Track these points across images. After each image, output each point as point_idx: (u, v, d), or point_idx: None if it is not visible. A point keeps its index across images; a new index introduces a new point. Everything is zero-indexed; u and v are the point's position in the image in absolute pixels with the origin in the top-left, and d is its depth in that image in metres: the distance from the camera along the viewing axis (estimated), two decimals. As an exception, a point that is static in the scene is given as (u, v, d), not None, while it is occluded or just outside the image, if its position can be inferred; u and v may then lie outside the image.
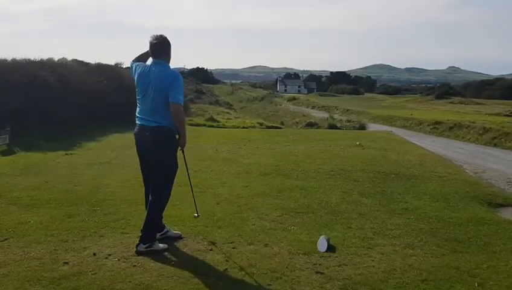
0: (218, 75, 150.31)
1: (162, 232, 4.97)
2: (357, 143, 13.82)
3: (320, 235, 5.08)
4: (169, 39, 4.73)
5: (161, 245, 4.72)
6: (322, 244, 4.84)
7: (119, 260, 4.44)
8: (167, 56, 4.73)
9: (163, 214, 4.94)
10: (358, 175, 8.85)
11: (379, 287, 4.01)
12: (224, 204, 6.47)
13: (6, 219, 5.64)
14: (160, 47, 4.68)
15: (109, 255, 4.56)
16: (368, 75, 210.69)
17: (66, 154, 10.86)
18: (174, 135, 4.61)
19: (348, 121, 26.16)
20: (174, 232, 5.11)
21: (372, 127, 24.81)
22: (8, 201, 6.47)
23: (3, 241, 4.89)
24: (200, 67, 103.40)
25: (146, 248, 4.60)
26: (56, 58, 18.40)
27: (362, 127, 23.41)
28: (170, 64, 4.77)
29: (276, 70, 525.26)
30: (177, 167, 4.75)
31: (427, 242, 5.19)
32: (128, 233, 5.20)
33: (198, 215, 5.24)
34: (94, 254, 4.55)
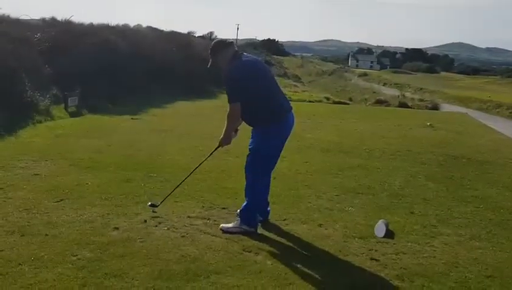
0: (289, 47, 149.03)
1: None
2: (428, 124, 13.20)
3: (379, 219, 4.79)
4: (216, 43, 4.51)
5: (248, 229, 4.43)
6: (380, 229, 4.56)
7: (168, 229, 4.38)
8: (216, 59, 4.43)
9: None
10: (426, 157, 8.39)
11: (438, 280, 3.70)
12: (281, 179, 6.27)
13: (65, 180, 5.74)
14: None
15: (159, 223, 4.51)
16: (446, 53, 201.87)
17: (132, 119, 11.05)
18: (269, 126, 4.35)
19: (421, 100, 25.08)
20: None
21: (446, 107, 23.68)
22: (70, 162, 6.60)
23: (58, 201, 4.97)
24: (271, 38, 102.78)
25: (236, 226, 4.42)
26: (132, 25, 18.84)
27: (435, 107, 22.36)
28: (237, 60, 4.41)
29: (349, 44, 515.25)
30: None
31: (495, 234, 4.78)
32: (180, 202, 5.13)
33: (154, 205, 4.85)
34: (145, 221, 4.52)
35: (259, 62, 4.69)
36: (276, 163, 4.61)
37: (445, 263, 4.03)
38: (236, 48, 4.49)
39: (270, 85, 4.47)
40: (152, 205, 4.81)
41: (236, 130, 4.58)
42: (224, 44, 4.48)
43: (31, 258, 3.60)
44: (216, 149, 4.68)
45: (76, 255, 3.71)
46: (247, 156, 4.46)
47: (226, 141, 4.48)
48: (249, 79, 4.30)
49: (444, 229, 4.83)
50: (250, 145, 4.44)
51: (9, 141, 7.92)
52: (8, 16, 13.97)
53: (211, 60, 4.49)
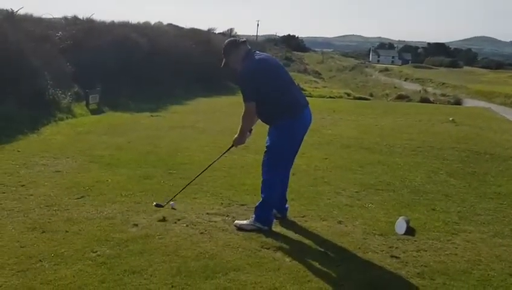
0: (309, 43, 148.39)
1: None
2: (450, 119, 12.99)
3: (400, 216, 4.73)
4: (228, 43, 4.46)
5: (261, 227, 4.37)
6: (400, 226, 4.49)
7: (187, 225, 4.38)
8: (228, 59, 4.43)
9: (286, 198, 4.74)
10: (448, 153, 8.26)
11: (460, 279, 3.63)
12: (301, 175, 6.24)
13: (86, 177, 5.79)
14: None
15: (178, 220, 4.51)
16: (469, 47, 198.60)
17: (152, 116, 11.12)
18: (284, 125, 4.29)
19: (443, 95, 24.84)
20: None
21: (469, 102, 23.36)
22: (90, 159, 6.66)
23: (79, 198, 5.02)
24: (292, 34, 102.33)
25: (249, 223, 4.38)
26: (152, 22, 18.95)
27: (457, 102, 22.10)
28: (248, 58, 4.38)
29: (370, 39, 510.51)
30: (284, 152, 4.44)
31: (519, 232, 4.66)
32: (199, 199, 5.15)
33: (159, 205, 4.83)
34: (164, 218, 4.52)
35: (272, 59, 4.63)
36: (294, 159, 4.58)
37: (467, 260, 3.95)
38: (249, 47, 4.46)
39: (284, 82, 4.41)
40: (158, 205, 4.80)
41: (250, 130, 4.55)
42: (237, 43, 4.45)
43: (51, 255, 3.64)
44: (229, 149, 4.67)
45: (96, 252, 3.73)
46: (264, 153, 4.42)
47: (240, 140, 4.45)
48: (262, 77, 4.25)
49: (466, 226, 4.75)
50: (267, 143, 4.40)
51: (31, 138, 8.03)
52: (31, 15, 14.14)
53: (224, 60, 4.47)
